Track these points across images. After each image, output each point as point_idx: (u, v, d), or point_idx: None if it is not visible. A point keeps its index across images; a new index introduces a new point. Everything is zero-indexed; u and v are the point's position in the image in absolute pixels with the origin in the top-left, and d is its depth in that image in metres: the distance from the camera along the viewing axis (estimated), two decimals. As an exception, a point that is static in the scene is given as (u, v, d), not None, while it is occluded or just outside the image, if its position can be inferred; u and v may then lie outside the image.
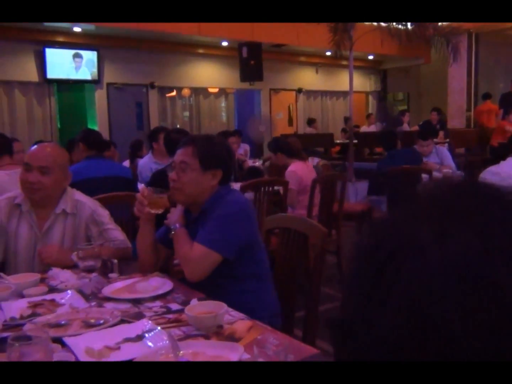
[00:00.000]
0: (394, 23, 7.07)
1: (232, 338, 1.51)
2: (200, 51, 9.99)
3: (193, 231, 2.07)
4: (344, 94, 12.30)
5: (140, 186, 4.35)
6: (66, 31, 8.25)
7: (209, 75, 10.48)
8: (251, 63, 8.70)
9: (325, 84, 12.41)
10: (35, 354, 1.13)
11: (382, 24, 7.29)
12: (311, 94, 12.42)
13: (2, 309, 1.73)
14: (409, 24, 7.12)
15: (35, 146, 2.43)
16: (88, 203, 2.44)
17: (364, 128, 11.41)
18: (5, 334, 1.51)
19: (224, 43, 9.69)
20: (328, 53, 10.39)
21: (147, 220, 2.16)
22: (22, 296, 1.89)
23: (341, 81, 11.65)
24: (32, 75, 8.35)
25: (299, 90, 12.08)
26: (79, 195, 2.46)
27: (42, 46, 8.23)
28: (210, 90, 10.82)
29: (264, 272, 2.15)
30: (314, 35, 8.70)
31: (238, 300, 1.81)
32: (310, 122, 11.27)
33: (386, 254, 0.45)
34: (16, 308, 1.75)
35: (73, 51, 8.57)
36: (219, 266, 1.99)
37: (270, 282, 2.16)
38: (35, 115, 8.51)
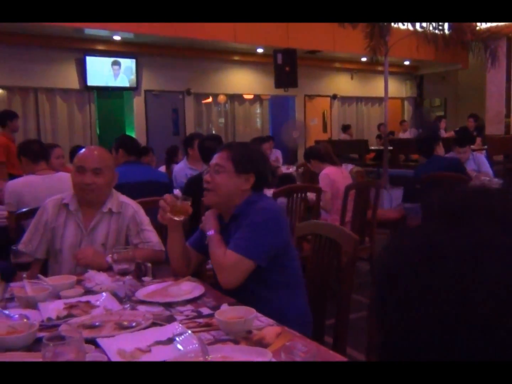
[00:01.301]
0: (431, 28, 6.97)
1: (261, 343, 1.51)
2: (236, 58, 10.08)
3: (225, 237, 2.09)
4: (379, 100, 12.19)
5: (176, 191, 4.42)
6: (106, 39, 8.47)
7: (244, 81, 10.55)
8: (286, 69, 8.72)
9: (360, 90, 12.33)
10: (68, 354, 1.16)
11: (418, 28, 7.20)
12: (345, 100, 12.36)
13: (40, 310, 1.79)
14: (446, 28, 7.01)
15: (83, 150, 2.54)
16: (132, 204, 2.55)
17: (400, 135, 11.27)
18: (41, 334, 1.56)
19: (259, 50, 9.75)
20: (364, 59, 10.34)
21: (174, 227, 2.19)
22: (58, 297, 1.95)
23: (376, 87, 11.56)
24: (73, 83, 8.60)
25: (334, 96, 12.04)
26: (123, 197, 2.57)
27: (83, 54, 8.48)
28: (245, 96, 10.89)
29: (296, 279, 2.15)
30: (349, 41, 8.66)
31: (269, 306, 1.81)
32: (345, 128, 11.21)
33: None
34: (53, 309, 1.81)
35: (111, 59, 8.78)
36: (251, 273, 2.01)
37: (302, 289, 2.16)
38: (76, 122, 8.77)
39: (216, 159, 2.14)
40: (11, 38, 7.69)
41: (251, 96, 10.95)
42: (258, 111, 11.32)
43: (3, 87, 8.21)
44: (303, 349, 1.47)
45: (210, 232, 2.11)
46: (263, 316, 1.74)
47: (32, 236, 2.44)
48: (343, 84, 12.02)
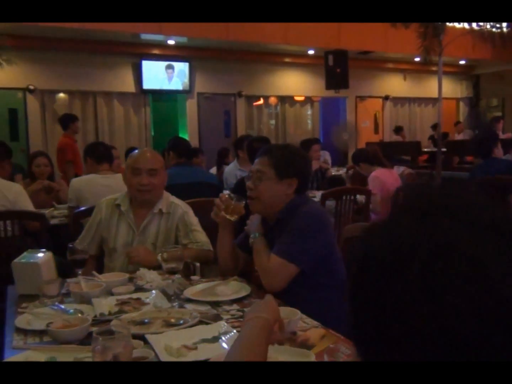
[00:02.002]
0: (488, 26, 6.76)
1: (305, 345, 1.52)
2: (287, 60, 10.10)
3: (270, 240, 2.11)
4: (433, 101, 11.91)
5: (225, 192, 4.48)
6: (160, 44, 8.68)
7: (295, 83, 10.55)
8: (337, 71, 8.66)
9: (413, 90, 12.07)
10: (116, 348, 1.21)
11: (475, 27, 7.00)
12: (398, 101, 12.13)
13: (93, 305, 1.87)
14: (504, 26, 6.78)
15: (136, 152, 2.64)
16: (181, 205, 2.62)
17: (455, 136, 10.97)
18: (94, 329, 1.63)
19: (310, 52, 9.72)
20: (417, 59, 10.11)
21: (225, 226, 2.23)
22: (111, 293, 2.03)
23: (430, 87, 11.29)
24: (130, 86, 8.88)
25: (386, 97, 11.85)
26: (173, 198, 2.65)
27: (139, 58, 8.74)
28: (296, 98, 10.88)
29: (340, 282, 2.14)
30: (402, 41, 8.51)
31: (313, 309, 1.81)
32: (398, 130, 11.01)
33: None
34: (105, 304, 1.88)
35: (166, 63, 8.99)
36: (296, 276, 2.02)
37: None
38: (132, 124, 9.05)
39: (257, 164, 2.14)
40: (73, 45, 8.01)
41: (302, 98, 10.93)
42: (309, 112, 11.28)
43: (64, 91, 8.57)
44: (346, 352, 1.48)
45: (255, 236, 2.14)
46: (308, 317, 1.75)
47: (86, 234, 2.55)
48: (396, 85, 11.81)
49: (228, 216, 2.16)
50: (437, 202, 0.57)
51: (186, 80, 9.22)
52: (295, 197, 2.13)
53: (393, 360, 0.53)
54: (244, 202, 2.17)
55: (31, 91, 8.11)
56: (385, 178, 4.27)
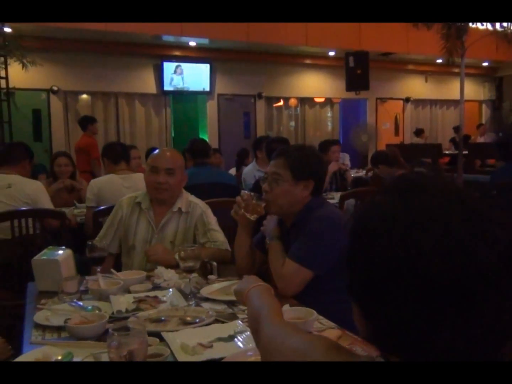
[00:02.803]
0: (512, 28, 6.66)
1: (321, 345, 1.52)
2: (307, 61, 10.08)
3: (286, 243, 2.10)
4: (455, 103, 11.76)
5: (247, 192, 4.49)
6: (182, 46, 8.75)
7: (315, 85, 10.53)
8: (358, 72, 8.61)
9: (435, 92, 11.95)
10: (132, 345, 1.22)
11: (498, 28, 6.90)
12: (419, 103, 12.02)
13: (111, 302, 1.88)
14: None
15: (157, 151, 2.66)
16: (200, 204, 2.64)
17: (477, 139, 10.82)
18: (111, 326, 1.65)
19: (331, 53, 9.70)
20: (439, 61, 10.03)
21: (244, 225, 2.23)
22: (129, 291, 2.04)
23: (452, 89, 11.17)
24: (151, 88, 8.96)
25: (407, 99, 11.75)
26: (192, 197, 2.67)
27: (160, 60, 8.81)
28: (316, 99, 10.85)
29: None
30: (423, 42, 8.44)
31: (329, 311, 1.80)
32: (418, 132, 10.91)
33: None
34: (123, 302, 1.90)
35: (187, 64, 9.05)
36: (311, 280, 2.01)
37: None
38: (153, 125, 9.14)
39: (272, 166, 2.12)
40: (95, 46, 8.12)
41: (322, 99, 10.90)
42: (329, 114, 11.24)
43: (87, 92, 8.70)
44: (363, 353, 1.47)
45: (271, 239, 2.14)
46: (324, 318, 1.74)
47: (107, 231, 2.58)
48: (417, 86, 11.70)
49: (247, 215, 2.16)
50: (415, 182, 0.73)
51: (207, 81, 9.26)
52: (311, 199, 2.11)
53: (382, 307, 0.69)
54: (264, 202, 2.17)
55: (54, 92, 8.24)
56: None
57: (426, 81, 11.62)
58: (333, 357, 0.79)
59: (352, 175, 6.20)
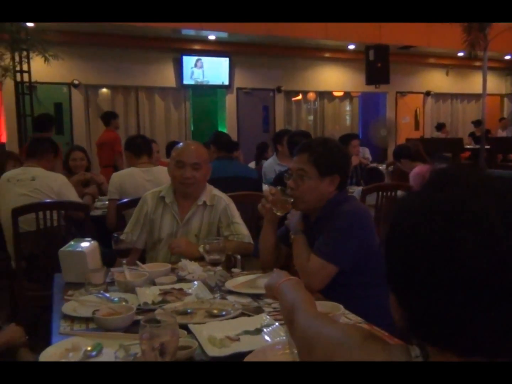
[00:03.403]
0: (537, 20, 6.53)
1: (348, 340, 1.51)
2: (327, 55, 10.02)
3: (310, 238, 2.09)
4: (476, 97, 11.62)
5: (265, 187, 4.48)
6: (201, 39, 8.75)
7: (334, 78, 10.47)
8: (378, 65, 8.55)
9: (456, 86, 11.80)
10: (164, 337, 1.22)
11: (523, 21, 6.78)
12: (440, 97, 11.89)
13: (137, 294, 1.89)
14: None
15: (182, 145, 2.66)
16: (224, 198, 2.64)
17: (498, 133, 10.67)
18: (138, 317, 1.66)
19: (351, 46, 9.63)
20: (460, 54, 9.89)
21: (270, 220, 2.22)
22: (154, 283, 2.05)
23: (474, 83, 11.01)
24: (171, 81, 8.99)
25: (427, 93, 11.62)
26: (216, 191, 2.66)
27: (180, 54, 8.83)
28: (335, 93, 10.79)
29: (383, 279, 2.11)
30: (445, 35, 8.33)
31: (356, 305, 1.79)
32: (440, 127, 10.79)
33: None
34: (149, 294, 1.91)
35: (206, 58, 9.05)
36: (336, 275, 2.00)
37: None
38: (172, 118, 9.18)
39: (297, 163, 2.09)
40: (116, 40, 8.17)
41: (341, 93, 10.83)
42: (348, 108, 11.17)
43: (107, 86, 8.76)
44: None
45: (295, 233, 2.12)
46: (351, 313, 1.73)
47: (133, 227, 2.58)
48: (438, 80, 11.56)
49: (274, 210, 2.15)
50: (451, 175, 0.75)
51: (226, 75, 9.26)
52: (336, 194, 2.09)
53: (420, 296, 0.70)
54: (292, 200, 2.15)
55: (75, 86, 8.32)
56: (427, 175, 4.18)
57: (447, 74, 11.49)
58: (369, 346, 0.80)
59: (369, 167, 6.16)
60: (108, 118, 6.89)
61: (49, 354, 1.45)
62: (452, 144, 9.13)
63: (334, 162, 2.07)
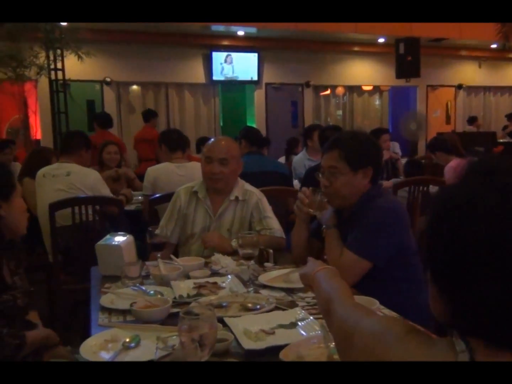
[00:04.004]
0: None
1: (384, 334, 1.50)
2: (356, 49, 9.93)
3: (343, 232, 2.08)
4: (510, 89, 11.38)
5: (295, 182, 4.48)
6: (230, 35, 8.78)
7: (363, 72, 10.37)
8: (408, 59, 8.43)
9: (489, 79, 11.54)
10: (203, 329, 1.24)
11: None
12: (472, 90, 11.65)
13: (172, 287, 1.92)
14: None
15: (212, 141, 2.68)
16: (256, 192, 2.65)
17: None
18: (174, 310, 1.69)
19: (381, 40, 9.51)
20: (494, 46, 9.68)
21: (305, 219, 2.23)
22: (188, 277, 2.08)
23: (507, 75, 10.79)
24: (200, 77, 9.05)
25: (459, 86, 11.40)
26: (247, 185, 2.68)
27: (209, 50, 8.88)
28: (364, 88, 10.69)
29: (416, 275, 2.09)
30: (477, 27, 8.13)
31: (389, 301, 1.78)
32: (471, 120, 10.59)
33: None
34: (184, 287, 1.94)
35: (235, 54, 9.08)
36: (369, 270, 2.00)
37: (423, 285, 2.10)
38: (201, 114, 9.24)
39: (327, 160, 2.07)
40: (146, 37, 8.25)
41: (370, 88, 10.73)
42: (377, 102, 11.06)
43: (138, 83, 8.87)
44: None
45: (328, 227, 2.11)
46: (386, 308, 1.72)
47: (167, 222, 2.62)
48: (470, 73, 11.33)
49: (311, 211, 2.14)
50: (493, 165, 0.75)
51: (255, 70, 9.27)
52: (370, 188, 2.08)
53: (465, 288, 0.70)
54: (326, 199, 2.14)
55: (107, 83, 8.45)
56: (459, 170, 4.11)
57: (480, 67, 11.25)
58: (411, 340, 0.79)
59: (403, 164, 6.08)
60: (149, 115, 7.17)
61: (89, 345, 1.49)
62: (485, 138, 8.96)
63: (365, 154, 2.06)
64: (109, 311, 1.77)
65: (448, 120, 11.57)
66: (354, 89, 10.60)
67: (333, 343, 1.38)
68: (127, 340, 1.48)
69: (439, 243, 0.75)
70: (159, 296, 1.83)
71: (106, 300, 1.84)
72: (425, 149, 10.39)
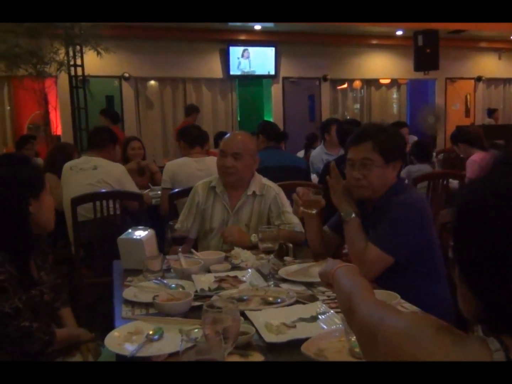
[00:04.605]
0: None
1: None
2: (374, 41, 9.85)
3: (365, 226, 2.07)
4: (532, 81, 11.18)
5: (312, 176, 4.48)
6: (248, 30, 8.77)
7: (381, 66, 10.29)
8: (427, 51, 8.34)
9: (509, 71, 11.35)
10: (226, 321, 1.26)
11: None
12: (492, 82, 11.48)
13: (193, 281, 1.95)
14: None
15: (228, 135, 2.69)
16: (274, 187, 2.66)
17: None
18: (196, 303, 1.71)
19: (399, 32, 9.42)
20: (515, 37, 9.52)
21: (308, 218, 2.24)
22: (209, 271, 2.10)
23: (530, 67, 10.60)
24: (217, 72, 9.07)
25: (478, 79, 11.25)
26: (265, 180, 2.68)
27: (226, 45, 8.88)
28: (382, 81, 10.61)
29: (437, 270, 2.09)
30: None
31: (410, 295, 1.78)
32: (490, 112, 10.46)
33: None
34: (205, 281, 1.96)
35: (252, 48, 9.07)
36: (391, 264, 2.00)
37: (444, 279, 2.10)
38: (219, 109, 9.27)
39: (361, 152, 2.05)
40: (163, 33, 8.28)
41: (387, 81, 10.64)
42: (395, 96, 10.96)
43: (156, 78, 8.92)
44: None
45: (349, 215, 2.08)
46: (406, 302, 1.72)
47: (186, 217, 2.64)
48: (489, 65, 11.17)
49: (308, 211, 2.16)
50: None
51: (272, 65, 9.25)
52: (395, 183, 2.08)
53: (497, 283, 0.69)
54: (322, 194, 2.15)
55: (126, 79, 8.52)
56: (483, 164, 4.04)
57: (500, 58, 11.08)
58: (442, 338, 0.75)
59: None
60: (191, 110, 7.58)
61: (113, 337, 1.52)
62: (505, 130, 8.83)
63: (396, 147, 2.07)
64: (132, 304, 1.80)
65: (467, 113, 11.43)
66: (371, 83, 10.53)
67: (354, 338, 1.39)
68: (151, 332, 1.51)
69: (469, 237, 0.74)
70: (180, 289, 1.86)
71: (129, 293, 1.86)
72: (444, 143, 10.30)
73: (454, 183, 4.05)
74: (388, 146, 2.04)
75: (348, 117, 10.11)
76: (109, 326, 1.65)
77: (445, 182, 3.89)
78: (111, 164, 3.58)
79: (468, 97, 11.44)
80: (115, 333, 1.55)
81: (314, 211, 2.17)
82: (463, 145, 4.29)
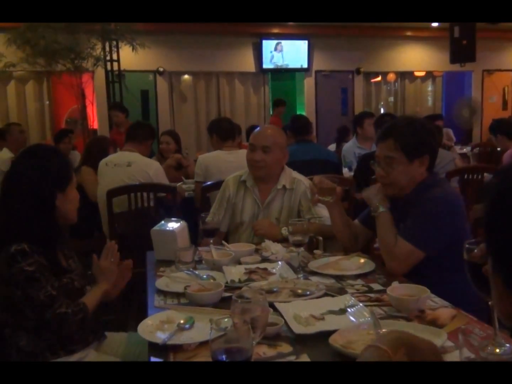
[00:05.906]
0: None
1: (434, 324, 1.49)
2: (408, 33, 9.70)
3: (396, 221, 2.05)
4: None
5: (344, 170, 4.46)
6: (280, 23, 8.75)
7: (415, 58, 10.13)
8: (463, 43, 8.15)
9: (550, 62, 11.03)
10: (255, 312, 1.29)
11: None
12: (532, 74, 11.17)
13: (224, 272, 1.98)
14: None
15: (258, 129, 2.71)
16: (304, 181, 2.66)
17: None
18: (226, 294, 1.74)
19: (434, 24, 9.25)
20: (557, 27, 9.23)
21: (329, 207, 2.24)
22: (239, 263, 2.13)
23: None
24: (250, 66, 9.10)
25: (517, 70, 10.96)
26: (295, 174, 2.69)
27: (259, 38, 8.90)
28: (416, 73, 10.44)
29: None
30: (539, 8, 7.78)
31: (441, 290, 1.76)
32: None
33: None
34: (235, 273, 1.99)
35: (285, 42, 9.05)
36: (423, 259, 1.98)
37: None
38: (251, 103, 9.32)
39: (383, 150, 2.04)
40: (197, 28, 8.32)
41: (422, 73, 10.47)
42: (430, 88, 10.78)
43: (189, 73, 9.00)
44: (480, 334, 1.44)
45: (379, 209, 2.07)
46: (437, 297, 1.72)
47: (217, 210, 2.67)
48: (529, 56, 10.87)
49: (323, 198, 2.17)
50: None
51: (305, 58, 9.22)
52: (426, 176, 2.05)
53: None
54: (336, 181, 2.18)
55: (160, 73, 8.63)
56: None
57: (542, 49, 10.76)
58: None
59: (457, 151, 5.95)
60: (276, 104, 8.01)
61: (146, 325, 1.57)
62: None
63: (421, 143, 2.02)
64: (165, 293, 1.84)
65: (505, 105, 11.14)
66: (406, 75, 10.37)
67: (384, 330, 1.40)
68: (182, 321, 1.55)
69: (502, 228, 0.71)
70: (211, 280, 1.89)
71: (161, 283, 1.91)
72: (480, 137, 10.08)
73: (489, 177, 3.97)
74: (411, 143, 2.00)
75: (381, 111, 10.00)
76: (142, 315, 1.70)
77: (480, 176, 3.82)
78: (145, 161, 3.63)
79: (506, 89, 11.16)
80: (148, 321, 1.60)
81: (329, 199, 2.17)
82: (501, 137, 4.18)
